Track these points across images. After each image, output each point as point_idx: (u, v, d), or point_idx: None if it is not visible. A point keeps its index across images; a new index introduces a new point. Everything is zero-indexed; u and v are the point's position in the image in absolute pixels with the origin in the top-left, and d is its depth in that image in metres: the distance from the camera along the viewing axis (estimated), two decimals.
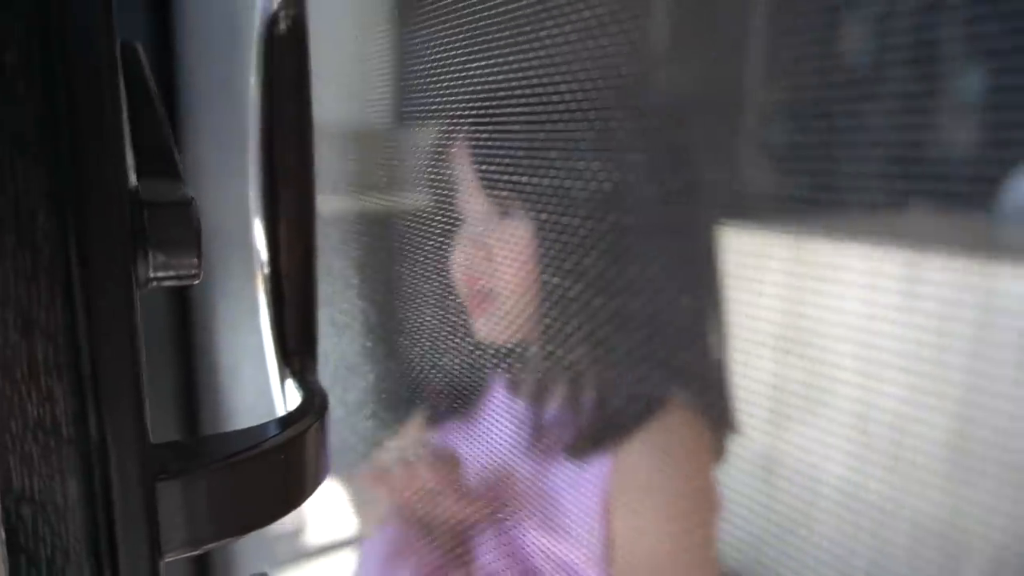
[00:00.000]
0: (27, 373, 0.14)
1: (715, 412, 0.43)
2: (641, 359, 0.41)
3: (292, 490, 0.21)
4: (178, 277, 0.18)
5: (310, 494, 0.22)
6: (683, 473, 0.44)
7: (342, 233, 0.38)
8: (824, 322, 0.49)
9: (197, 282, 0.19)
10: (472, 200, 0.45)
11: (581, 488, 0.46)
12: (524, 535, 0.51)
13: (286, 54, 0.24)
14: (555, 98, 0.39)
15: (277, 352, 0.25)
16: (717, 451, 0.45)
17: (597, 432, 0.45)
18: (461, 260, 0.47)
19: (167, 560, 0.18)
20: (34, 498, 0.15)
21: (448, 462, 0.57)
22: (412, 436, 0.64)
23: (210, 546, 0.19)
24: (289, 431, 0.21)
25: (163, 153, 0.18)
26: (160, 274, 0.17)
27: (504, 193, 0.44)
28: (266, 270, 0.25)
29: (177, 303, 0.71)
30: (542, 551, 0.49)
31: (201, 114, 0.54)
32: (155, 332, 0.67)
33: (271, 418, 0.24)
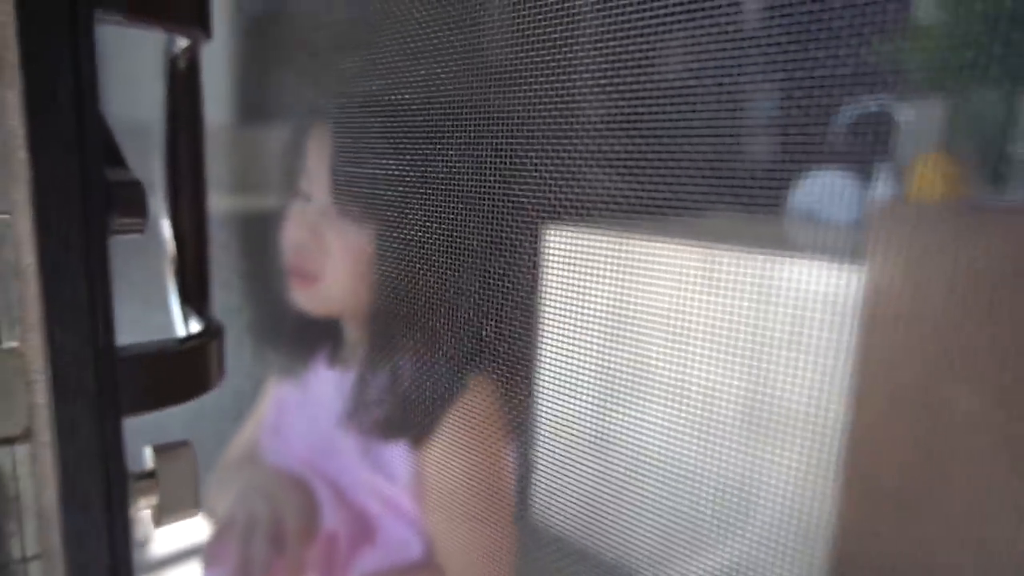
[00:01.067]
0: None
1: (514, 388, 0.51)
2: (448, 345, 0.50)
3: (203, 378, 0.31)
4: (132, 228, 0.28)
5: (213, 386, 0.32)
6: (479, 440, 0.53)
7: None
8: (641, 311, 0.53)
9: (142, 233, 0.28)
10: (318, 192, 0.54)
11: (396, 463, 0.57)
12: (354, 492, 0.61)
13: (184, 82, 0.34)
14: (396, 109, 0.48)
15: (180, 297, 0.35)
16: (512, 422, 0.55)
17: (406, 414, 0.56)
18: (294, 239, 0.56)
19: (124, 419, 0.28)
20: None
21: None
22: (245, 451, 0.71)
23: (147, 412, 0.29)
24: (203, 337, 0.31)
25: (115, 151, 0.28)
26: (123, 223, 0.27)
27: (349, 195, 0.53)
28: (172, 244, 0.34)
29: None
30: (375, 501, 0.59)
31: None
32: None
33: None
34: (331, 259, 0.56)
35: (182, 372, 0.31)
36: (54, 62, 0.23)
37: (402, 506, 0.59)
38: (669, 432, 0.40)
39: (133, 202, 0.28)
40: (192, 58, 0.34)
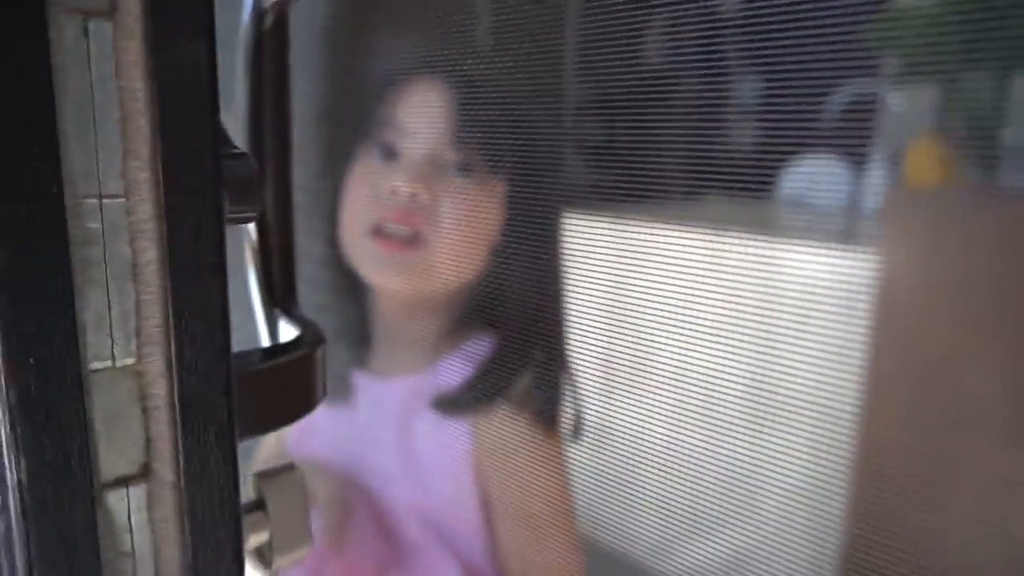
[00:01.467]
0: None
1: (558, 389, 0.50)
2: (516, 331, 0.47)
3: (310, 394, 0.26)
4: (245, 216, 0.23)
5: (319, 403, 0.27)
6: (536, 444, 0.50)
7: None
8: (644, 297, 0.53)
9: (254, 222, 0.24)
10: (417, 149, 0.48)
11: (448, 445, 0.52)
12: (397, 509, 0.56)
13: (272, 42, 0.29)
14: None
15: (263, 293, 0.30)
16: (558, 423, 0.52)
17: (478, 391, 0.51)
18: (384, 194, 0.50)
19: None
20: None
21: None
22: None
23: (249, 438, 0.24)
24: (307, 346, 0.26)
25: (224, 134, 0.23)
26: (238, 209, 0.22)
27: (475, 154, 0.47)
28: (254, 234, 0.30)
29: None
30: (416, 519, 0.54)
31: None
32: None
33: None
34: (445, 222, 0.51)
35: (290, 388, 0.26)
36: (179, 4, 0.18)
37: (445, 529, 0.55)
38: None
39: (248, 182, 0.23)
40: (282, 13, 0.29)
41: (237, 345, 0.26)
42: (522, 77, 0.45)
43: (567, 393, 0.50)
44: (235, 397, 0.20)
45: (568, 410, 0.49)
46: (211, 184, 0.19)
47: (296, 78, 0.31)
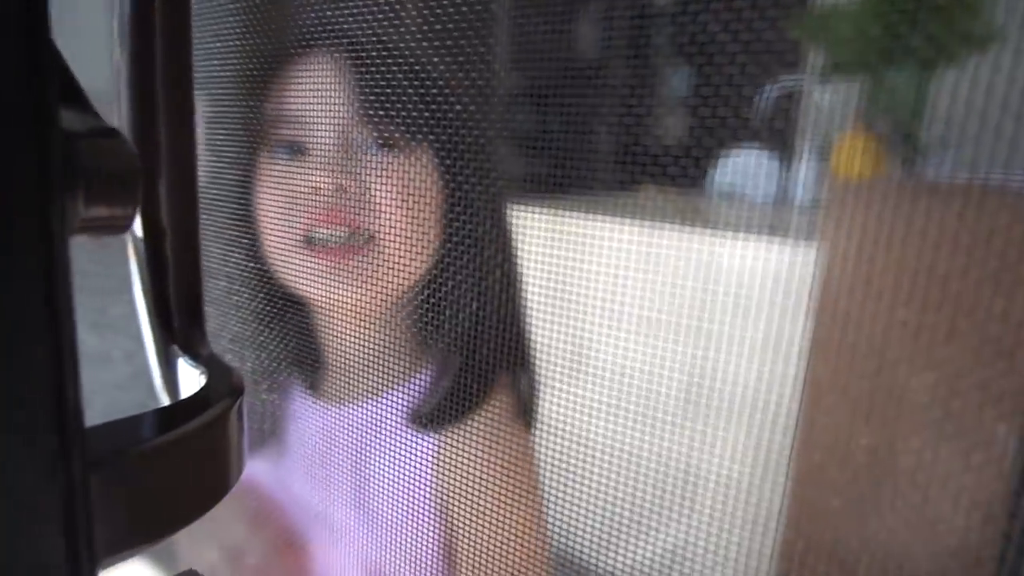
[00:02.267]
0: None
1: (527, 388, 0.46)
2: (484, 336, 0.42)
3: (220, 473, 0.18)
4: (111, 223, 0.15)
5: (235, 481, 0.19)
6: (507, 451, 0.45)
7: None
8: (583, 290, 0.54)
9: (125, 232, 0.16)
10: (325, 140, 0.41)
11: (415, 459, 0.45)
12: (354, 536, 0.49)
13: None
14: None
15: (155, 325, 0.22)
16: (529, 425, 0.47)
17: (447, 403, 0.44)
18: (322, 197, 0.42)
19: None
20: None
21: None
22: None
23: (141, 549, 0.16)
24: (211, 411, 0.18)
25: (70, 79, 0.15)
26: (95, 214, 0.14)
27: (394, 124, 0.40)
28: (141, 246, 0.21)
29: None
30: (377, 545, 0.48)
31: None
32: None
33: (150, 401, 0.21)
34: (383, 209, 0.42)
35: (186, 470, 0.18)
36: None
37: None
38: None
39: (118, 173, 0.15)
40: None
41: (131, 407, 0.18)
42: (430, 36, 0.40)
43: (535, 388, 0.47)
44: (73, 491, 0.12)
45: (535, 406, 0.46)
46: (29, 170, 0.11)
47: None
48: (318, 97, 0.43)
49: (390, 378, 0.47)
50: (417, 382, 0.48)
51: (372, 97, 0.41)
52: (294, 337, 0.48)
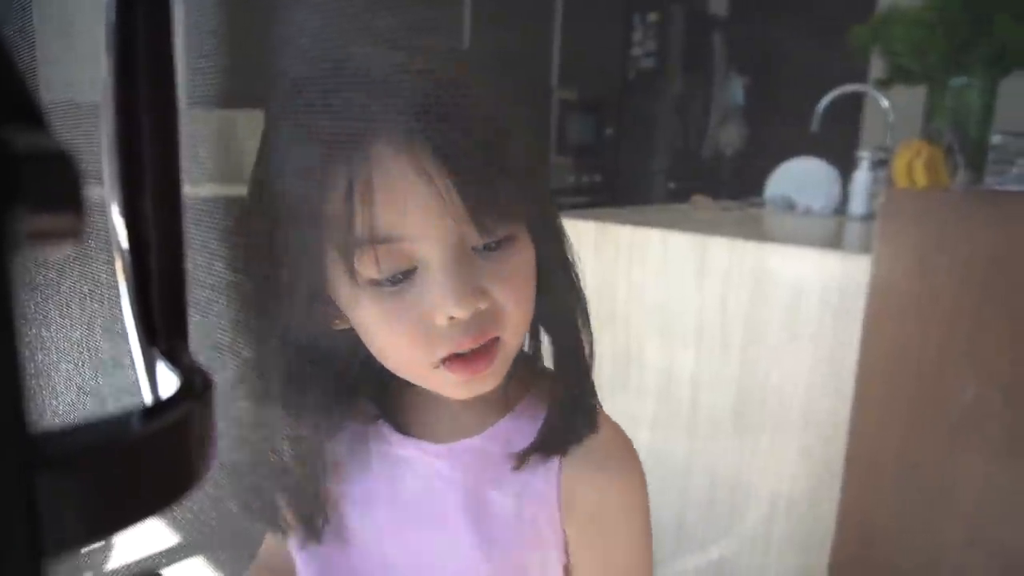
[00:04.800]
0: None
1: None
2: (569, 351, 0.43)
3: (183, 470, 0.19)
4: (59, 233, 0.16)
5: (199, 479, 0.20)
6: (624, 478, 0.45)
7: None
8: (632, 299, 0.57)
9: (75, 242, 0.16)
10: (439, 222, 0.37)
11: (533, 495, 0.45)
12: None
13: (147, 15, 0.22)
14: None
15: (140, 333, 0.23)
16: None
17: (553, 438, 0.44)
18: (458, 323, 0.38)
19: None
20: None
21: None
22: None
23: (94, 543, 0.17)
24: (181, 403, 0.19)
25: (24, 95, 0.16)
26: (41, 224, 0.15)
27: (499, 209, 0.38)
28: (125, 245, 0.22)
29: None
30: None
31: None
32: None
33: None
34: (508, 297, 0.40)
35: (149, 467, 0.19)
36: None
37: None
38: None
39: (59, 187, 0.16)
40: None
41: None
42: None
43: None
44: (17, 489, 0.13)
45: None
46: None
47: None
48: (418, 206, 0.38)
49: (496, 408, 0.48)
50: (524, 411, 0.48)
51: (474, 188, 0.37)
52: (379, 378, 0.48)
